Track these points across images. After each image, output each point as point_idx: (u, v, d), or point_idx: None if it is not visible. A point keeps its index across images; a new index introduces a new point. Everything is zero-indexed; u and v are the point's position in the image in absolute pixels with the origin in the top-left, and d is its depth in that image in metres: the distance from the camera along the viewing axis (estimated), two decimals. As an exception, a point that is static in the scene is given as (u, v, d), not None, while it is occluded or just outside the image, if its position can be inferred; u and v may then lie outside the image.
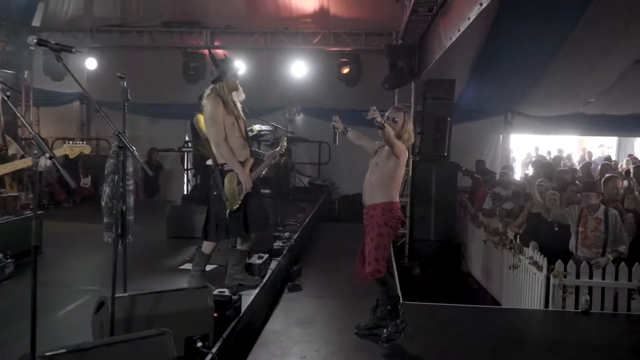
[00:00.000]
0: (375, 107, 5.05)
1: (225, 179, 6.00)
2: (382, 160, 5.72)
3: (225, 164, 6.02)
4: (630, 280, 7.54)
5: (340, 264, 8.87)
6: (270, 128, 9.60)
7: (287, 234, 9.16)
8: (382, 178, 5.66)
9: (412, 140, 5.83)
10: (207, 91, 6.04)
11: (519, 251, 8.73)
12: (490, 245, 10.34)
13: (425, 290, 10.63)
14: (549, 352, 5.80)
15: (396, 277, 7.74)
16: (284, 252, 8.24)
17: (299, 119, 15.56)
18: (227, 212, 6.01)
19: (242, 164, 6.07)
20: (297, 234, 9.48)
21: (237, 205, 6.05)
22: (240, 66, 12.59)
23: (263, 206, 6.31)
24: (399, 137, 5.68)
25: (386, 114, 5.69)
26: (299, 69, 13.96)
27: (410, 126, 5.81)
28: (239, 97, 6.13)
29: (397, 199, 5.69)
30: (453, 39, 7.77)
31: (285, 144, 7.07)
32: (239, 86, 6.08)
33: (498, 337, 6.20)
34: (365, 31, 13.12)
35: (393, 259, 9.19)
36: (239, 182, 6.06)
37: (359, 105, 15.18)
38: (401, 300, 5.82)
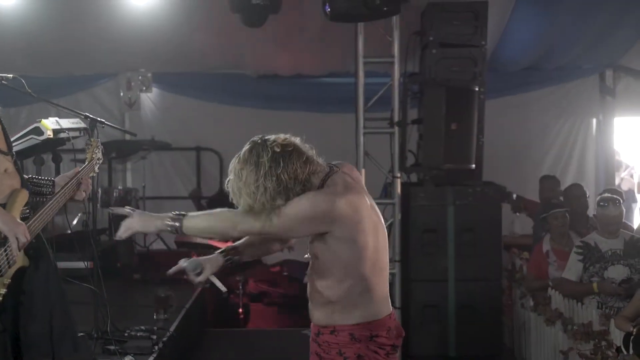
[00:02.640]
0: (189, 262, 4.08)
1: None
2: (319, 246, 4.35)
3: None
4: None
5: None
6: (81, 125, 6.94)
7: (128, 361, 7.59)
8: (333, 268, 4.15)
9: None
10: None
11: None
12: (576, 362, 8.14)
13: None
14: None
15: None
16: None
17: (149, 100, 11.47)
18: None
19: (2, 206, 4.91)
20: (151, 360, 7.75)
21: None
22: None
23: (61, 298, 4.71)
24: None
25: None
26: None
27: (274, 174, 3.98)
28: None
29: (385, 307, 4.19)
30: None
31: (99, 153, 5.40)
32: None
33: None
34: None
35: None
36: None
37: (284, 68, 11.44)
38: None
